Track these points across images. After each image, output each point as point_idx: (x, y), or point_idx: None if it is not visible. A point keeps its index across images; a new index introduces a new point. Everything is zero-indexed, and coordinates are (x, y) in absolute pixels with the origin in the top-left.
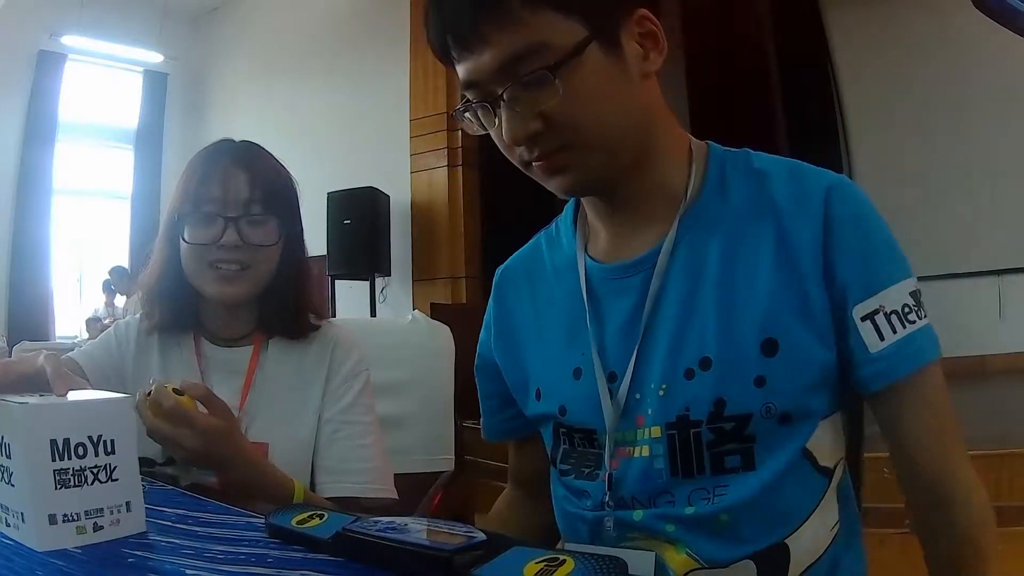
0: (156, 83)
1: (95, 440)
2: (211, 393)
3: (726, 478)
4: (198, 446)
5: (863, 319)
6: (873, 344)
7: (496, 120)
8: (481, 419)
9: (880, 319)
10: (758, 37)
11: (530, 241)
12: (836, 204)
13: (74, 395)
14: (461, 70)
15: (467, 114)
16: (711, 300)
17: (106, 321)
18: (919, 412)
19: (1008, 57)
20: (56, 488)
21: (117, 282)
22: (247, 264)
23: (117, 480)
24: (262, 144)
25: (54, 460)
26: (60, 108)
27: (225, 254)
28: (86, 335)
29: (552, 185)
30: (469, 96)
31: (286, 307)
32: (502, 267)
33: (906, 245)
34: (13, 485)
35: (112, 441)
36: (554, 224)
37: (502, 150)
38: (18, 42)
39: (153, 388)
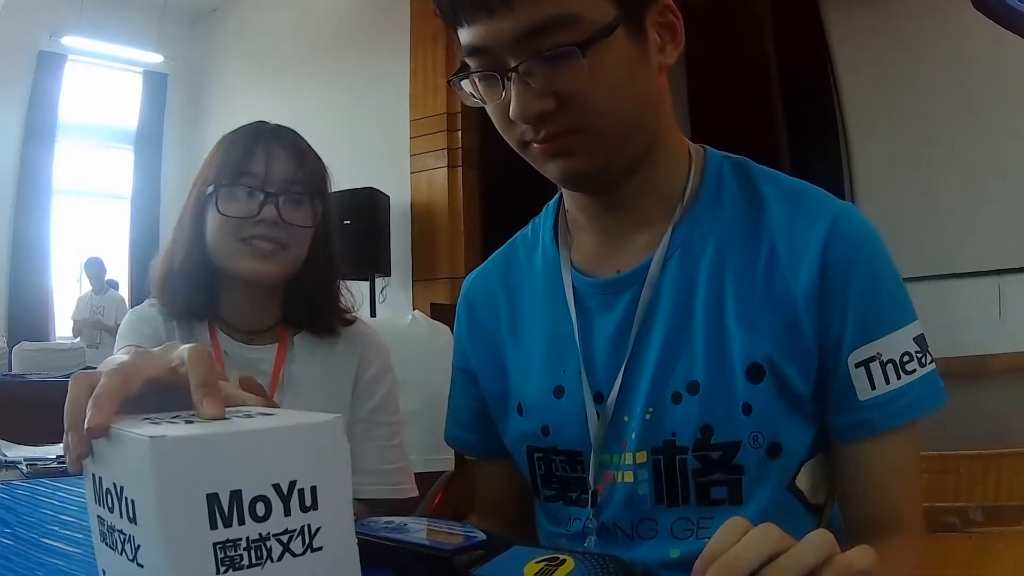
0: (156, 83)
1: (285, 490)
2: (264, 391)
3: (711, 510)
4: None
5: (857, 366)
6: (863, 391)
7: (503, 93)
8: (447, 423)
9: (875, 367)
10: (758, 37)
11: (503, 247)
12: (839, 239)
13: (241, 418)
14: (468, 33)
15: (465, 82)
16: (700, 320)
17: (78, 318)
18: (896, 468)
19: (1008, 57)
20: (219, 572)
21: (94, 276)
22: (283, 244)
23: (321, 549)
24: None
25: (214, 526)
26: (60, 108)
27: (262, 230)
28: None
29: (550, 169)
30: (472, 63)
31: (314, 299)
32: (472, 276)
33: (906, 245)
34: (142, 566)
35: (313, 490)
36: (530, 227)
37: (498, 125)
38: (18, 42)
39: None
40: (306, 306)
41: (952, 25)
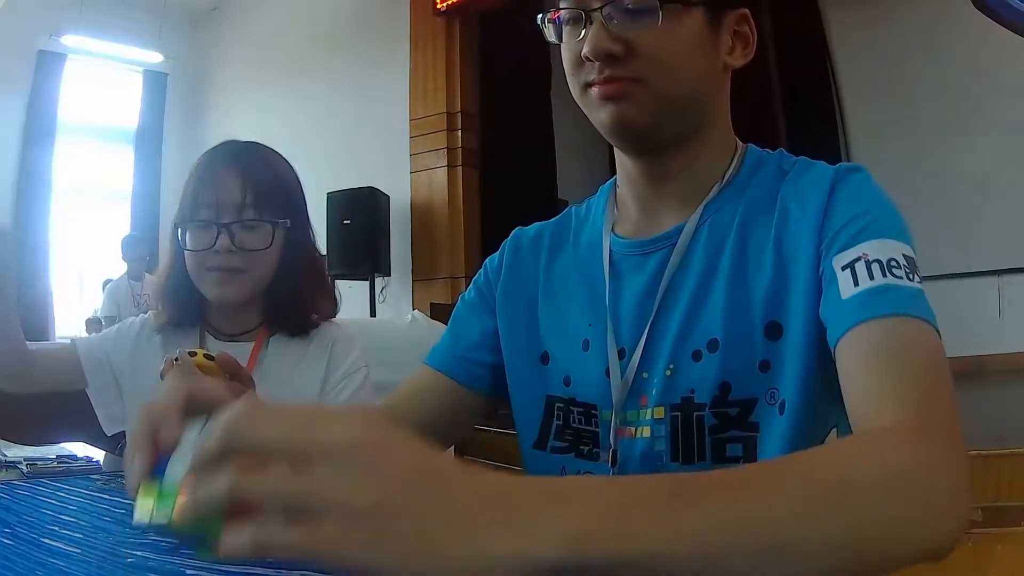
0: (156, 83)
1: None
2: (238, 364)
3: (726, 467)
4: None
5: (843, 268)
6: (846, 290)
7: (582, 32)
8: (439, 344)
9: (860, 266)
10: (758, 36)
11: (561, 213)
12: (842, 182)
13: None
14: None
15: (550, 23)
16: (723, 282)
17: (113, 314)
18: (887, 351)
19: (1008, 57)
20: None
21: (134, 259)
22: (242, 268)
23: None
24: (261, 143)
25: None
26: (60, 108)
27: (220, 260)
28: (86, 335)
29: (604, 114)
30: (564, 6)
31: (289, 304)
32: (522, 229)
33: None
34: None
35: None
36: (585, 204)
37: (567, 69)
38: (18, 42)
39: (179, 355)
40: (281, 311)
41: (953, 25)
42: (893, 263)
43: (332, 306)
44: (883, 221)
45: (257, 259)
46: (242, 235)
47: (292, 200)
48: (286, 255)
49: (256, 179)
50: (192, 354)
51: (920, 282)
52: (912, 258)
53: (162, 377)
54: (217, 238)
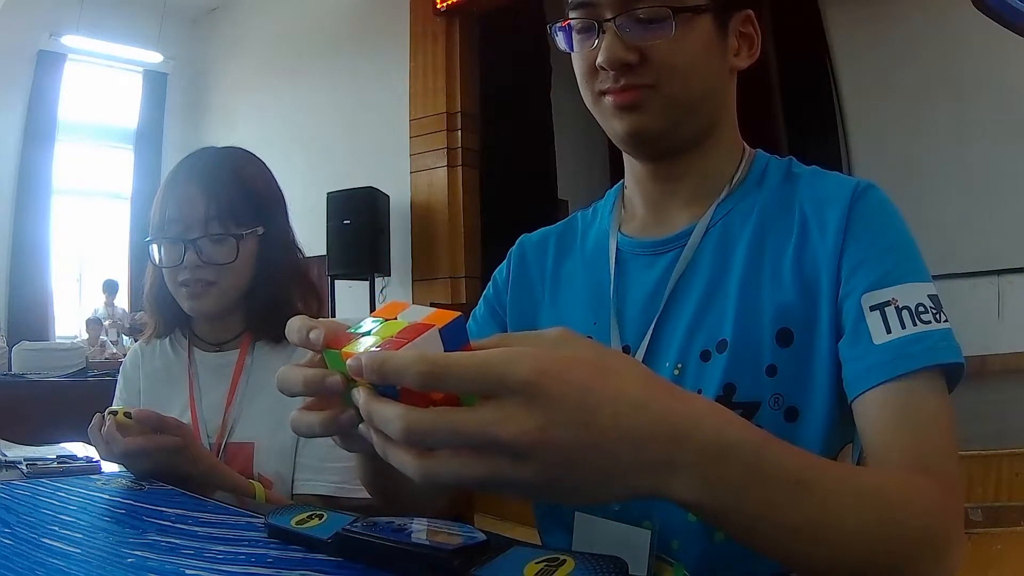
0: (156, 83)
1: None
2: (159, 416)
3: None
4: (152, 467)
5: (872, 309)
6: (878, 335)
7: (595, 42)
8: None
9: (890, 311)
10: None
11: (567, 218)
12: (861, 201)
13: None
14: None
15: (561, 32)
16: (735, 284)
17: (106, 323)
18: (914, 410)
19: (1009, 57)
20: None
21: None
22: (212, 280)
23: None
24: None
25: None
26: (60, 108)
27: (189, 274)
28: (86, 335)
29: (620, 124)
30: (575, 16)
31: (269, 309)
32: (527, 235)
33: None
34: None
35: None
36: (592, 208)
37: (580, 75)
38: (18, 42)
39: (106, 425)
40: (261, 317)
41: (952, 25)
42: (921, 308)
43: (316, 304)
44: (908, 264)
45: (227, 271)
46: (209, 249)
47: (263, 206)
48: (262, 261)
49: (219, 192)
50: (114, 413)
51: (946, 320)
52: (935, 296)
53: (92, 435)
54: (184, 254)
